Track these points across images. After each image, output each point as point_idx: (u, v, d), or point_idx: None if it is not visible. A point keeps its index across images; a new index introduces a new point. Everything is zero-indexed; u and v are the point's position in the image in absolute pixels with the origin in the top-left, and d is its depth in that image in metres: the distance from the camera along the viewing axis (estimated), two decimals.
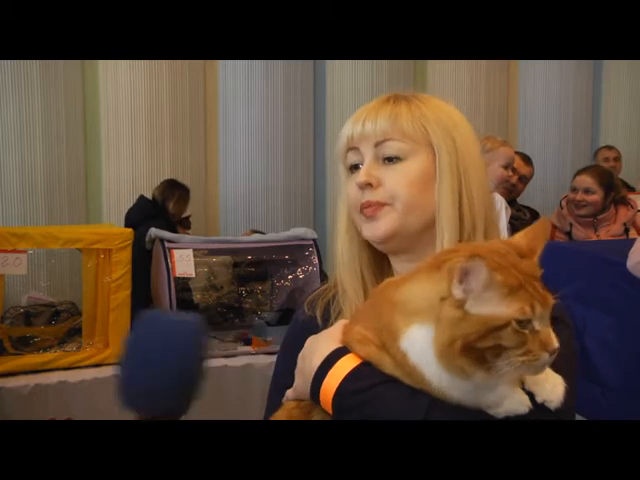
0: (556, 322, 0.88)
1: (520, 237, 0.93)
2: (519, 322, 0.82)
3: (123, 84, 4.45)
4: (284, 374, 1.12)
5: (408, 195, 1.07)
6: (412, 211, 1.08)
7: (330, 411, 0.94)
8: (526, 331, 0.82)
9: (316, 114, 5.04)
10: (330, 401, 0.94)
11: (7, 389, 2.89)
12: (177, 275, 3.24)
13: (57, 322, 3.43)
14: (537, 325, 0.83)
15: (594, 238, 3.75)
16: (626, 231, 3.78)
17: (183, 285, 3.59)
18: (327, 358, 0.96)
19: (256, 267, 3.80)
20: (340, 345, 0.97)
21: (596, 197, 3.76)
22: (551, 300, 0.85)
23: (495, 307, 0.82)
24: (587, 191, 3.77)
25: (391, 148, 1.08)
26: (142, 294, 3.39)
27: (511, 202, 3.74)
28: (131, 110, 4.47)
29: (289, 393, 1.03)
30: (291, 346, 1.14)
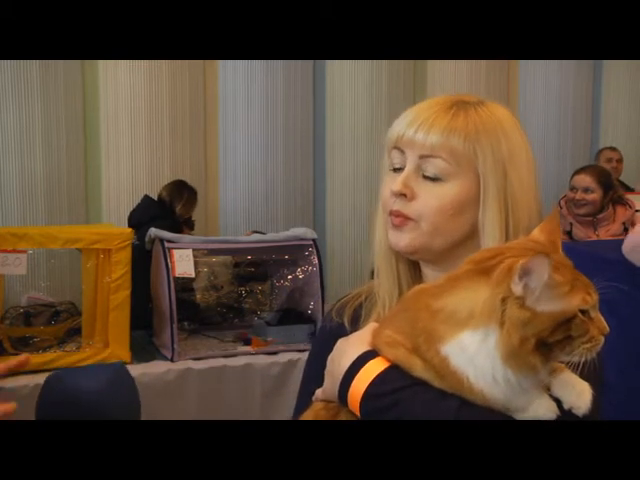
0: None
1: (538, 234, 0.94)
2: (582, 312, 0.86)
3: (123, 85, 4.44)
4: (311, 380, 1.13)
5: (436, 219, 1.06)
6: (438, 234, 1.07)
7: (358, 413, 0.94)
8: (586, 319, 0.86)
9: (316, 114, 5.04)
10: (358, 404, 0.94)
11: (7, 389, 2.88)
12: (177, 275, 3.23)
13: (57, 322, 3.43)
14: (592, 312, 0.87)
15: (594, 238, 3.75)
16: (625, 230, 3.79)
17: (183, 285, 3.59)
18: (355, 361, 0.97)
19: (256, 267, 3.80)
20: (369, 348, 0.98)
21: (595, 196, 3.77)
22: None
23: (561, 302, 0.85)
24: (586, 190, 3.78)
25: (434, 166, 1.05)
26: (142, 294, 3.39)
27: None
28: (131, 111, 4.47)
29: (318, 393, 1.04)
30: (319, 352, 1.14)
